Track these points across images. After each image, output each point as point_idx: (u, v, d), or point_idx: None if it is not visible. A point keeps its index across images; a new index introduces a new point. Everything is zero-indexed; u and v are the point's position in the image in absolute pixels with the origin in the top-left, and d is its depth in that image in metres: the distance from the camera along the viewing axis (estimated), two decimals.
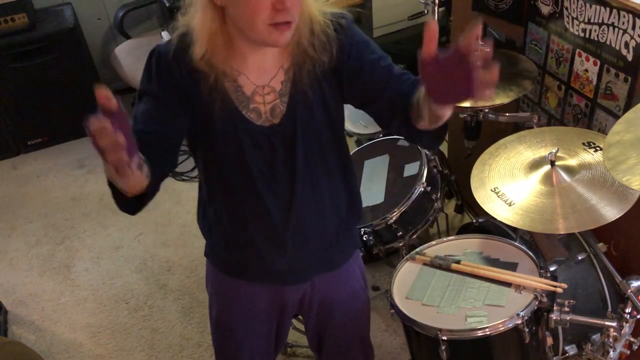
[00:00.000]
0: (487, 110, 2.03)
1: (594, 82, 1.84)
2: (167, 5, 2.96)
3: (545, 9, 1.97)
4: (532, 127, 1.94)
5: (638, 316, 1.56)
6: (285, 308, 1.55)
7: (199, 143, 1.33)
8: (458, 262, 1.65)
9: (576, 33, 1.86)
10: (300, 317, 1.73)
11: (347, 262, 1.55)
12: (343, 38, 1.28)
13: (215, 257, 1.52)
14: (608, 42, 1.74)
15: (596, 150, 1.66)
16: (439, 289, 1.61)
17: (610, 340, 1.57)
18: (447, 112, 1.15)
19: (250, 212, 1.37)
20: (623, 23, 1.66)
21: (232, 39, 1.21)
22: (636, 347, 1.63)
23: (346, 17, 1.29)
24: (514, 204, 1.59)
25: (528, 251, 1.65)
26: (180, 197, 3.21)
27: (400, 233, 2.05)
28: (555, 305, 1.52)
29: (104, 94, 0.91)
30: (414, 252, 1.74)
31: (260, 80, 1.27)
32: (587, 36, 1.81)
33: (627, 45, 1.67)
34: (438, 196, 2.12)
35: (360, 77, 1.30)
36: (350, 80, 1.30)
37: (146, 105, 1.25)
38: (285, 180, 1.33)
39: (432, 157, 2.19)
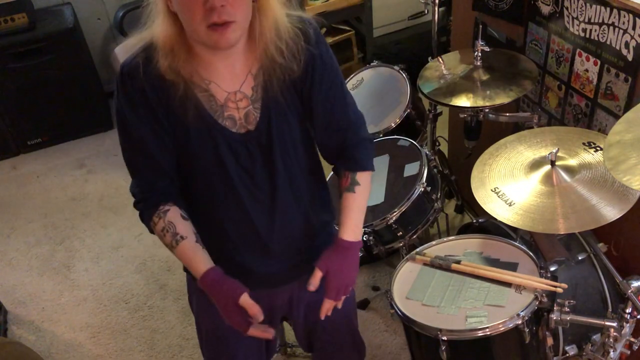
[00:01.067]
0: (487, 110, 2.03)
1: (594, 82, 1.84)
2: None
3: (546, 9, 1.97)
4: (532, 127, 1.94)
5: (638, 316, 1.56)
6: (274, 312, 1.54)
7: (179, 156, 1.32)
8: (458, 262, 1.65)
9: (576, 33, 1.86)
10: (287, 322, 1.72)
11: None
12: (314, 51, 1.26)
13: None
14: (608, 42, 1.74)
15: (596, 150, 1.66)
16: (439, 289, 1.61)
17: (611, 340, 1.57)
18: None
19: (233, 222, 1.36)
20: (623, 23, 1.66)
21: (193, 47, 1.21)
22: (636, 347, 1.63)
23: (313, 26, 1.28)
24: (514, 204, 1.59)
25: (528, 251, 1.65)
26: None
27: (400, 233, 2.05)
28: (555, 305, 1.52)
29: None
30: (414, 252, 1.74)
31: (231, 86, 1.26)
32: (587, 36, 1.81)
33: (627, 45, 1.67)
34: (438, 196, 2.12)
35: (313, 101, 1.30)
36: (307, 96, 1.30)
37: (141, 138, 1.26)
38: (266, 186, 1.33)
39: (432, 157, 2.19)
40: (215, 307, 1.50)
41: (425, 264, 1.70)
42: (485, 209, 1.61)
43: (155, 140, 1.27)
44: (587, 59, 1.85)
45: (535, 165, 1.68)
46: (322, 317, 1.37)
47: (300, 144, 1.35)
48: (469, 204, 2.76)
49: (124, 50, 3.69)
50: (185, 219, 1.32)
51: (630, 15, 1.63)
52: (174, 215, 1.30)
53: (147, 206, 1.32)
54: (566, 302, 1.53)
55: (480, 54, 2.09)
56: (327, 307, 1.36)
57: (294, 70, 1.25)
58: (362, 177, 1.38)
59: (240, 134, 1.28)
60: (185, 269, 1.48)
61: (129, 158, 1.32)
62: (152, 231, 1.34)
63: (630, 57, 1.67)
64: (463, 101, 2.01)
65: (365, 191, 1.40)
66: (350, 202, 1.37)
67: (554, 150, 1.63)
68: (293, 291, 1.52)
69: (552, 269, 1.67)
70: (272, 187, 1.33)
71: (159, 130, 1.26)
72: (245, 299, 1.26)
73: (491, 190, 1.66)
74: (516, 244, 1.69)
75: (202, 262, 1.30)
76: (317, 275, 1.32)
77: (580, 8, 1.80)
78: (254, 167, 1.30)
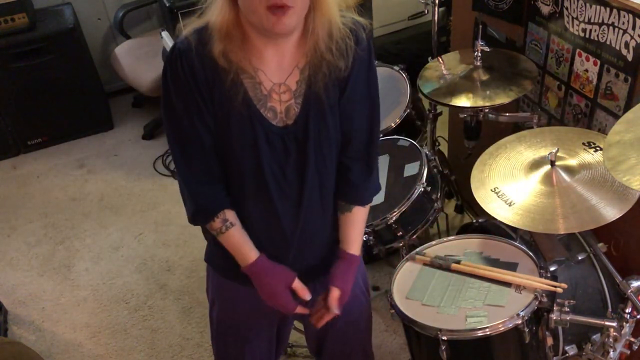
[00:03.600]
0: (487, 110, 2.03)
1: (594, 82, 1.84)
2: (167, 5, 2.96)
3: (545, 9, 1.97)
4: (532, 127, 1.94)
5: (638, 316, 1.56)
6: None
7: (218, 143, 1.32)
8: (458, 262, 1.65)
9: (576, 33, 1.86)
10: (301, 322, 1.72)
11: None
12: (361, 54, 1.28)
13: (217, 262, 1.50)
14: (608, 42, 1.74)
15: (596, 150, 1.66)
16: (439, 289, 1.61)
17: (610, 340, 1.57)
18: None
19: (260, 215, 1.36)
20: (623, 23, 1.66)
21: (247, 33, 1.21)
22: (636, 347, 1.63)
23: (366, 29, 1.30)
24: (514, 204, 1.59)
25: (528, 251, 1.65)
26: (180, 197, 3.21)
27: (400, 233, 2.05)
28: (555, 305, 1.52)
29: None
30: (414, 252, 1.74)
31: (277, 77, 1.26)
32: (587, 36, 1.81)
33: (627, 45, 1.67)
34: (438, 196, 2.12)
35: (344, 101, 1.31)
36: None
37: (193, 125, 1.26)
38: (296, 183, 1.33)
39: (432, 157, 2.19)
40: (228, 302, 1.53)
41: (425, 264, 1.70)
42: (485, 209, 1.62)
43: (199, 116, 1.26)
44: (587, 59, 1.85)
45: (535, 165, 1.68)
46: (319, 326, 1.45)
47: (334, 145, 1.35)
48: (468, 204, 2.76)
49: (124, 50, 3.69)
50: (231, 208, 1.35)
51: (630, 15, 1.63)
52: None
53: (206, 217, 1.35)
54: (566, 302, 1.53)
55: (480, 54, 2.09)
56: (329, 319, 1.44)
57: (341, 69, 1.25)
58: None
59: (279, 127, 1.28)
60: (207, 260, 1.52)
61: (182, 144, 1.31)
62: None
63: (630, 57, 1.68)
64: (463, 101, 2.01)
65: (367, 207, 1.46)
66: (356, 216, 1.43)
67: (554, 150, 1.63)
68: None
69: (552, 269, 1.67)
70: (301, 184, 1.33)
71: (203, 111, 1.25)
72: (297, 282, 1.39)
73: (491, 190, 1.66)
74: (516, 244, 1.69)
75: (252, 248, 1.36)
76: (336, 295, 1.40)
77: (580, 8, 1.80)
78: (287, 162, 1.30)
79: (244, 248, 1.36)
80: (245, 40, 1.21)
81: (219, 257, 1.44)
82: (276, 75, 1.26)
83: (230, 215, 1.34)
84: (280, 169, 1.30)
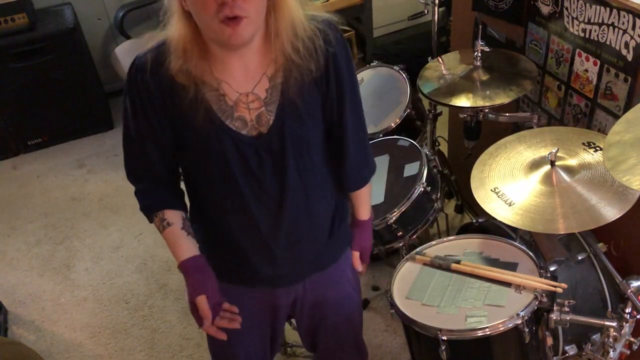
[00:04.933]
0: (487, 110, 2.03)
1: (594, 82, 1.84)
2: None
3: (545, 9, 1.97)
4: (532, 127, 1.94)
5: (638, 316, 1.56)
6: (278, 310, 1.54)
7: (182, 157, 1.33)
8: (458, 262, 1.65)
9: (576, 33, 1.86)
10: (293, 320, 1.72)
11: (337, 262, 1.54)
12: (333, 52, 1.25)
13: (208, 262, 1.49)
14: (608, 42, 1.74)
15: (596, 150, 1.66)
16: (439, 289, 1.61)
17: (610, 340, 1.57)
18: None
19: (240, 226, 1.36)
20: (623, 23, 1.66)
21: (207, 46, 1.20)
22: (636, 347, 1.63)
23: (333, 27, 1.26)
24: (514, 204, 1.59)
25: (528, 251, 1.65)
26: None
27: (400, 233, 2.05)
28: (555, 305, 1.52)
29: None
30: (414, 252, 1.74)
31: (243, 87, 1.24)
32: (587, 36, 1.82)
33: (627, 45, 1.67)
34: (438, 196, 2.12)
35: (330, 102, 1.31)
36: (330, 97, 1.30)
37: (139, 130, 1.28)
38: (275, 193, 1.31)
39: (432, 157, 2.19)
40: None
41: (425, 264, 1.70)
42: (485, 209, 1.62)
43: (151, 139, 1.28)
44: (587, 59, 1.85)
45: (535, 165, 1.68)
46: (361, 269, 1.59)
47: (317, 150, 1.34)
48: (468, 204, 2.76)
49: (124, 50, 3.69)
50: (174, 209, 1.38)
51: (630, 15, 1.63)
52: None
53: (147, 208, 1.39)
54: (566, 302, 1.52)
55: (480, 54, 2.09)
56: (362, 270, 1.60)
57: (312, 70, 1.23)
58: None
59: (251, 136, 1.26)
60: None
61: (129, 156, 1.36)
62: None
63: (630, 57, 1.68)
64: (463, 101, 2.01)
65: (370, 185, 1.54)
66: (361, 192, 1.52)
67: (554, 150, 1.63)
68: (297, 292, 1.52)
69: (552, 269, 1.67)
70: (281, 194, 1.31)
71: (157, 133, 1.27)
72: (201, 301, 1.33)
73: (491, 190, 1.66)
74: (516, 244, 1.69)
75: (187, 248, 1.36)
76: (357, 256, 1.57)
77: (580, 8, 1.80)
78: (263, 173, 1.29)
79: (177, 247, 1.36)
80: (206, 53, 1.20)
81: (207, 259, 1.42)
82: (242, 85, 1.24)
83: (169, 214, 1.36)
84: (256, 179, 1.29)
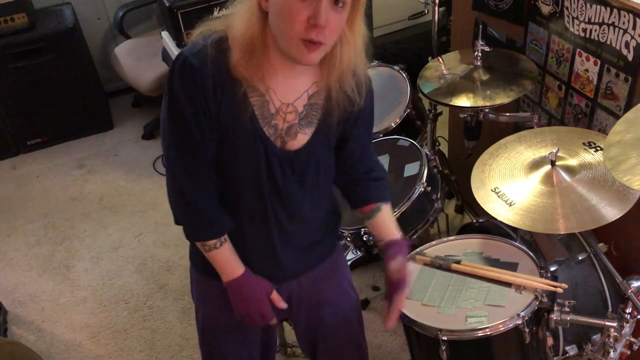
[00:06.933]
0: (487, 110, 2.03)
1: (595, 82, 1.84)
2: (167, 5, 2.95)
3: (546, 9, 1.97)
4: (532, 127, 1.94)
5: (638, 316, 1.56)
6: (273, 308, 1.54)
7: (217, 153, 1.31)
8: (458, 262, 1.65)
9: (576, 33, 1.85)
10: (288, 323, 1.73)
11: (332, 256, 1.56)
12: (370, 92, 1.34)
13: (198, 259, 1.48)
14: (608, 42, 1.74)
15: (596, 150, 1.66)
16: (439, 289, 1.60)
17: (611, 340, 1.57)
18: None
19: (252, 230, 1.38)
20: (623, 23, 1.66)
21: (269, 48, 1.20)
22: (636, 347, 1.63)
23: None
24: (514, 204, 1.59)
25: (528, 251, 1.64)
26: None
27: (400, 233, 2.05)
28: (555, 305, 1.52)
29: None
30: (414, 252, 1.74)
31: (286, 98, 1.26)
32: (587, 36, 1.81)
33: (627, 45, 1.67)
34: (438, 196, 2.11)
35: (353, 128, 1.37)
36: (349, 127, 1.37)
37: (195, 135, 1.22)
38: (289, 204, 1.35)
39: (432, 157, 2.19)
40: (211, 301, 1.54)
41: (425, 264, 1.70)
42: (485, 209, 1.61)
43: (199, 133, 1.23)
44: (587, 59, 1.85)
45: (535, 165, 1.68)
46: (392, 326, 1.45)
47: (330, 170, 1.41)
48: (469, 204, 2.76)
49: (124, 50, 3.69)
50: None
51: (630, 15, 1.63)
52: None
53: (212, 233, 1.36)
54: (566, 302, 1.52)
55: (480, 54, 2.09)
56: (397, 317, 1.46)
57: (357, 103, 1.29)
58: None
59: (280, 149, 1.28)
60: (190, 259, 1.53)
61: (191, 170, 1.28)
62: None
63: (630, 57, 1.67)
64: (463, 101, 2.01)
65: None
66: (386, 211, 1.50)
67: (554, 150, 1.63)
68: (292, 289, 1.52)
69: (552, 269, 1.67)
70: (292, 206, 1.36)
71: (205, 124, 1.23)
72: (275, 293, 1.43)
73: (491, 190, 1.66)
74: (516, 244, 1.69)
75: (239, 262, 1.39)
76: (405, 295, 1.45)
77: (580, 8, 1.80)
78: (284, 184, 1.32)
79: (232, 262, 1.37)
80: (265, 54, 1.20)
81: (202, 257, 1.42)
82: (286, 96, 1.26)
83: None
84: (276, 189, 1.32)
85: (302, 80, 1.27)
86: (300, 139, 1.29)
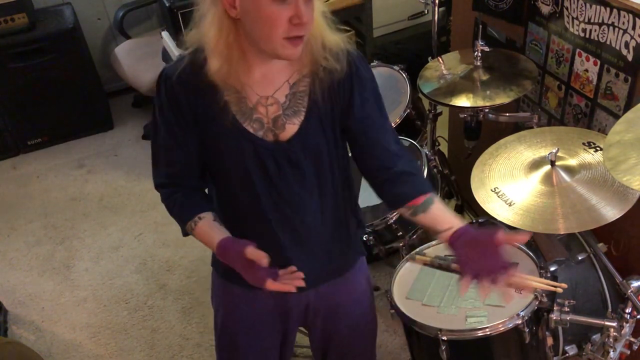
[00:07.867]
0: (487, 110, 2.03)
1: (594, 82, 1.84)
2: (167, 5, 2.96)
3: (546, 9, 1.97)
4: (532, 127, 1.94)
5: (638, 316, 1.56)
6: (290, 316, 1.53)
7: (207, 160, 1.34)
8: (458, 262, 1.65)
9: (576, 33, 1.86)
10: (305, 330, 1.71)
11: (352, 270, 1.54)
12: (355, 59, 1.29)
13: (220, 265, 1.47)
14: (608, 42, 1.74)
15: (596, 150, 1.66)
16: (439, 289, 1.61)
17: (611, 340, 1.57)
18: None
19: (256, 232, 1.36)
20: (623, 23, 1.66)
21: (245, 53, 1.21)
22: (636, 347, 1.63)
23: (352, 51, 1.30)
24: (514, 204, 1.59)
25: (528, 251, 1.65)
26: None
27: (400, 233, 2.05)
28: (555, 305, 1.52)
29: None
30: (414, 252, 1.74)
31: (264, 91, 1.26)
32: (587, 36, 1.81)
33: (627, 45, 1.67)
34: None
35: (351, 116, 1.31)
36: (346, 105, 1.30)
37: (165, 138, 1.30)
38: (292, 201, 1.33)
39: (432, 157, 2.19)
40: (230, 305, 1.53)
41: (425, 264, 1.70)
42: (485, 209, 1.62)
43: (176, 145, 1.30)
44: (587, 59, 1.85)
45: (535, 165, 1.68)
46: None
47: (334, 158, 1.35)
48: (469, 204, 2.76)
49: (124, 50, 3.69)
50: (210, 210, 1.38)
51: (630, 15, 1.63)
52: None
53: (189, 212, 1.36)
54: (566, 302, 1.53)
55: (480, 54, 2.09)
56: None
57: (337, 70, 1.25)
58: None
59: (269, 142, 1.27)
60: (212, 264, 1.53)
61: (161, 164, 1.36)
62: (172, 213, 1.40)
63: (630, 57, 1.68)
64: (463, 101, 2.01)
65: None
66: (437, 204, 1.33)
67: (554, 150, 1.63)
68: (310, 299, 1.50)
69: (552, 269, 1.67)
70: (297, 201, 1.33)
71: (183, 136, 1.28)
72: (251, 251, 1.23)
73: (491, 190, 1.66)
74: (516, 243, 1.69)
75: (218, 233, 1.32)
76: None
77: (580, 8, 1.80)
78: (281, 180, 1.30)
79: (211, 235, 1.33)
80: (244, 58, 1.21)
81: (222, 262, 1.43)
82: (263, 89, 1.26)
83: (202, 214, 1.35)
84: (273, 185, 1.31)
85: (279, 70, 1.26)
86: (289, 129, 1.28)
